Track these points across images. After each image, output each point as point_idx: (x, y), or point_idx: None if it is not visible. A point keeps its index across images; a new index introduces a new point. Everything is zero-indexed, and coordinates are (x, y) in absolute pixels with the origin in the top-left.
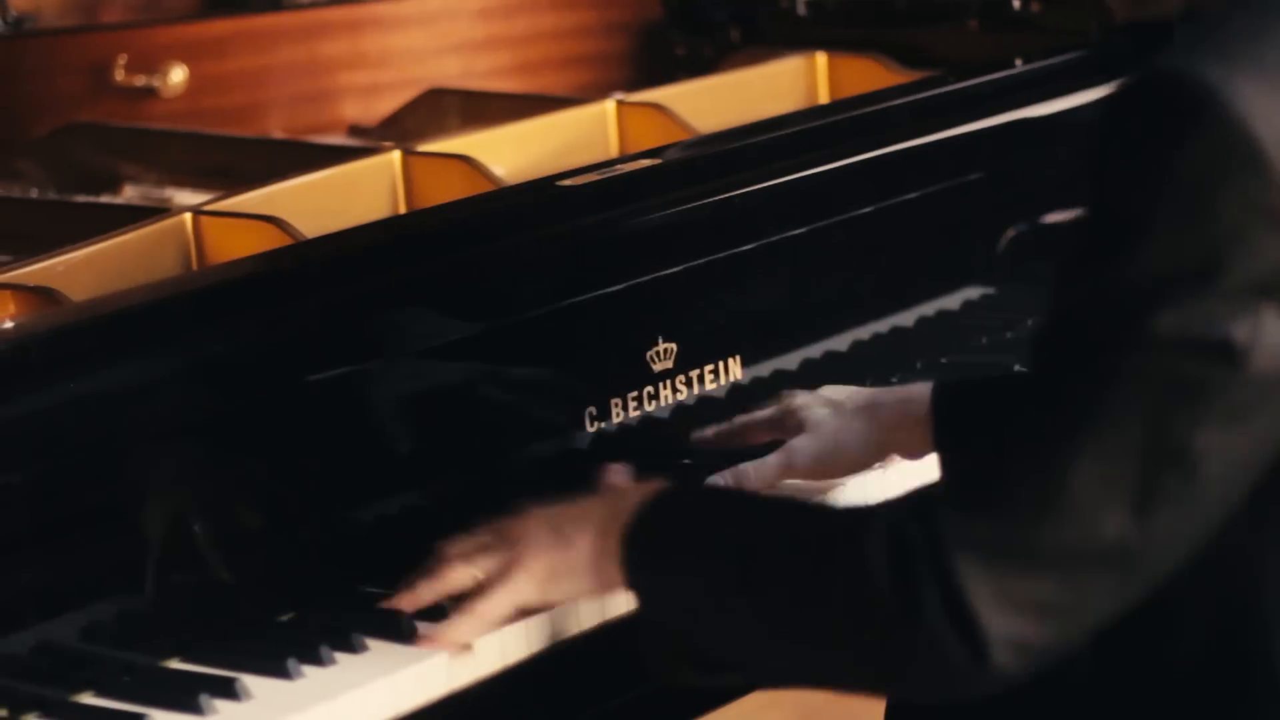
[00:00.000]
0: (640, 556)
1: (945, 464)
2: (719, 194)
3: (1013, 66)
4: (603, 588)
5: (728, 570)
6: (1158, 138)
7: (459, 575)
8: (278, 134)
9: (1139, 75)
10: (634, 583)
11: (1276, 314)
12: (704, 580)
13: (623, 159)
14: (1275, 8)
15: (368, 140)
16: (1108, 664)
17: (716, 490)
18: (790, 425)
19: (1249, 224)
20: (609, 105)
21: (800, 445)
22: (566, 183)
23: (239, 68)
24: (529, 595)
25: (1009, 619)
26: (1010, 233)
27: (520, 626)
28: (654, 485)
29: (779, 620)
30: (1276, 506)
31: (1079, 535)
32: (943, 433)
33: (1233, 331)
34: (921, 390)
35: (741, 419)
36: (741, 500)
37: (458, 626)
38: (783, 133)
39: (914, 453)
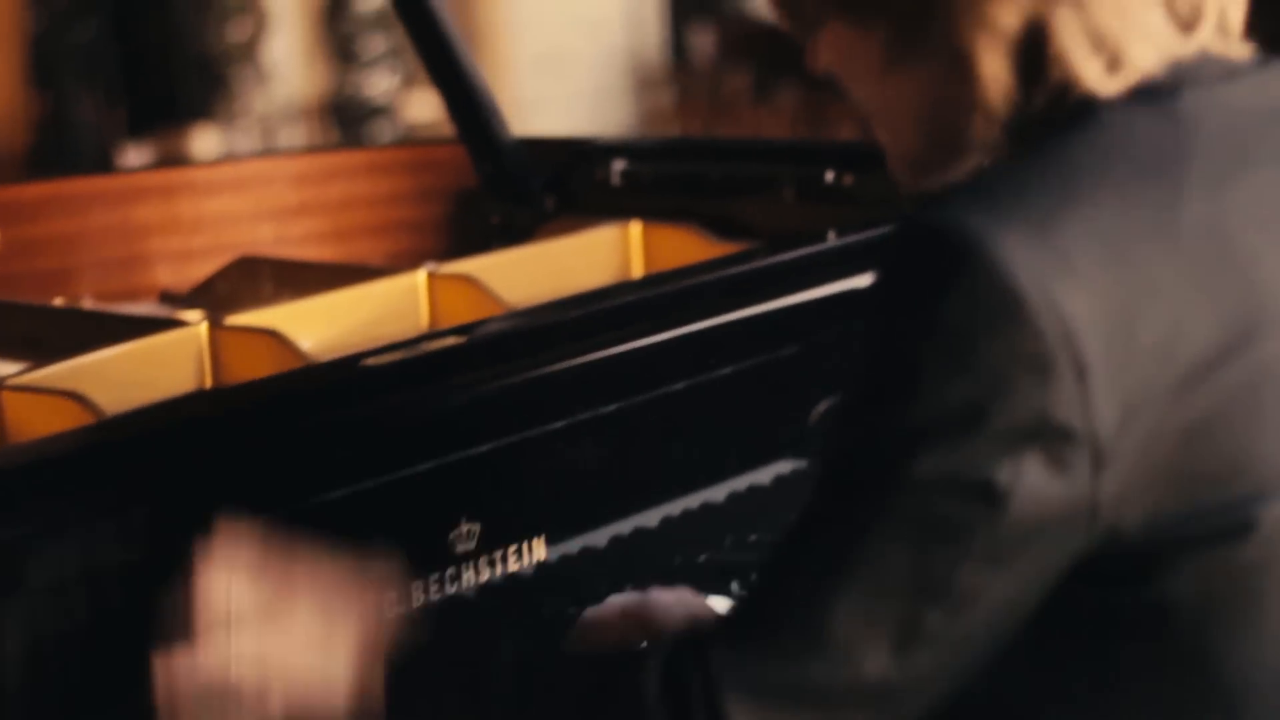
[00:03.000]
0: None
1: None
2: (524, 373)
3: (825, 240)
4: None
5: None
6: (923, 286)
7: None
8: (90, 299)
9: (906, 225)
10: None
11: (1038, 459)
12: None
13: (429, 335)
14: (1038, 163)
15: (179, 307)
16: None
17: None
18: (645, 626)
19: (1012, 373)
20: (420, 276)
21: None
22: (370, 362)
23: (52, 231)
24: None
25: None
26: (823, 405)
27: None
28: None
29: None
30: (1051, 647)
31: (840, 674)
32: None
33: (995, 474)
34: None
35: (592, 613)
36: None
37: None
38: (593, 309)
39: None
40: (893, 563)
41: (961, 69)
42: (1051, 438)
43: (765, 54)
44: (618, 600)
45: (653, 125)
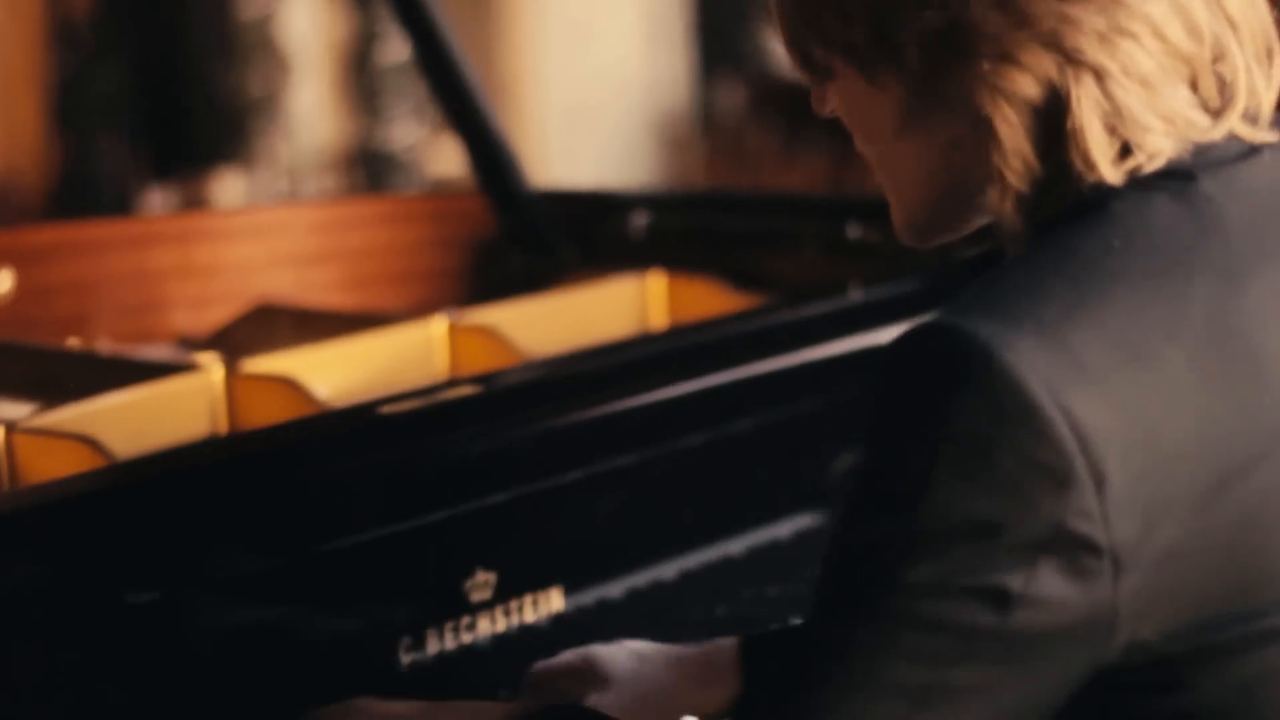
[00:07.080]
0: None
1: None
2: (543, 423)
3: (846, 294)
4: None
5: None
6: (935, 392)
7: None
8: (105, 343)
9: (916, 328)
10: None
11: (1055, 567)
12: None
13: (447, 384)
14: (1049, 260)
15: (196, 353)
16: None
17: None
18: (591, 678)
19: (1028, 485)
20: (439, 326)
21: (602, 703)
22: (387, 409)
23: (67, 276)
24: None
25: None
26: (843, 458)
27: None
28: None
29: None
30: None
31: None
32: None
33: (1008, 582)
34: (728, 645)
35: (540, 667)
36: None
37: None
38: (613, 360)
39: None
40: (893, 665)
41: (980, 136)
42: (1070, 547)
43: (792, 111)
44: (567, 654)
45: (679, 180)
